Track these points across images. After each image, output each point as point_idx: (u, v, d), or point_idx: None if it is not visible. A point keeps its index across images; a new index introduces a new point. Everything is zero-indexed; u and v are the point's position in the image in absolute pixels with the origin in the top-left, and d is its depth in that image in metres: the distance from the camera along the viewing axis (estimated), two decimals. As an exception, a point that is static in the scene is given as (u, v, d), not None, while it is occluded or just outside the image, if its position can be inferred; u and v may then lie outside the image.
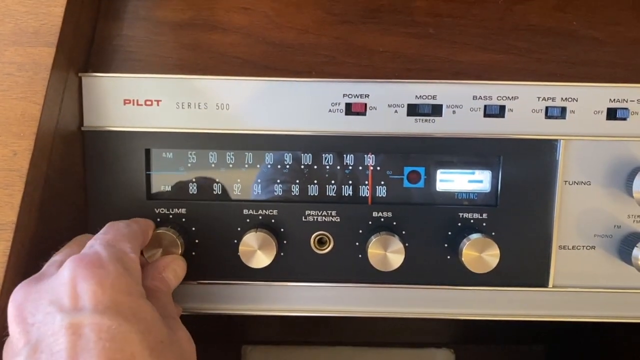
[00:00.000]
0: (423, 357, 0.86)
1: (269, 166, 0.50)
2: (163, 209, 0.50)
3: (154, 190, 0.50)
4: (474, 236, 0.47)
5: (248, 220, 0.49)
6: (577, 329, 0.83)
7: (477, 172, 0.50)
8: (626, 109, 0.48)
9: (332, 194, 0.50)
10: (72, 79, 0.47)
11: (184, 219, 0.50)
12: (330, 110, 0.48)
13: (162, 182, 0.50)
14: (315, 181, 0.50)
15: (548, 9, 0.52)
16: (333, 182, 0.50)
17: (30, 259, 0.41)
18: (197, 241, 0.50)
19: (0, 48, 0.43)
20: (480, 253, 0.46)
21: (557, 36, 0.51)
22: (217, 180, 0.50)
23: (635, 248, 0.47)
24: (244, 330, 0.86)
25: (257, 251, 0.47)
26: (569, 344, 0.85)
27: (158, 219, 0.49)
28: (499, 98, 0.48)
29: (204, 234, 0.50)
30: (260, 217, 0.49)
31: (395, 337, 0.86)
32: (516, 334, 0.86)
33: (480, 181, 0.50)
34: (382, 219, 0.49)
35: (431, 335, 0.86)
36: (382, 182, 0.50)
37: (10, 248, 0.38)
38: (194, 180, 0.50)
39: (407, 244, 0.49)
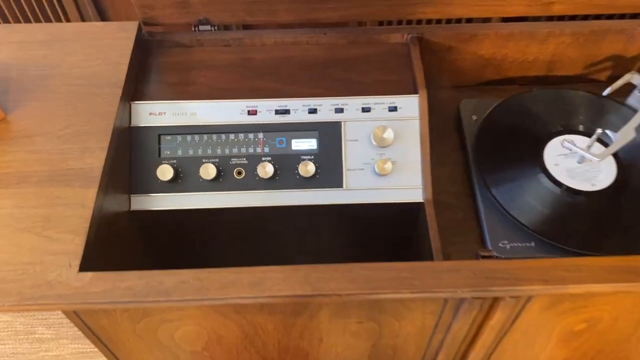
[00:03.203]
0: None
1: (214, 138, 1.09)
2: (166, 161, 1.08)
3: (162, 153, 1.08)
4: (306, 162, 1.05)
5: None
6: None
7: (311, 139, 1.09)
8: (370, 106, 1.08)
9: (244, 151, 1.08)
10: (127, 104, 1.07)
11: (175, 163, 1.08)
12: (241, 113, 1.08)
13: (166, 149, 1.08)
14: (236, 145, 1.09)
15: (341, 69, 1.14)
16: (244, 145, 1.08)
17: (107, 182, 0.98)
18: (181, 174, 1.07)
19: (95, 90, 1.04)
20: (306, 167, 1.05)
21: (344, 81, 1.12)
22: (191, 148, 1.08)
23: (375, 164, 1.05)
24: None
25: (210, 173, 1.05)
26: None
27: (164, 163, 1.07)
28: (314, 105, 1.08)
29: (185, 169, 1.07)
30: (212, 163, 1.08)
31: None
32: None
33: (313, 144, 1.09)
34: (267, 163, 1.08)
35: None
36: (267, 145, 1.08)
37: (101, 173, 0.96)
38: (180, 148, 1.08)
39: (278, 172, 1.07)
